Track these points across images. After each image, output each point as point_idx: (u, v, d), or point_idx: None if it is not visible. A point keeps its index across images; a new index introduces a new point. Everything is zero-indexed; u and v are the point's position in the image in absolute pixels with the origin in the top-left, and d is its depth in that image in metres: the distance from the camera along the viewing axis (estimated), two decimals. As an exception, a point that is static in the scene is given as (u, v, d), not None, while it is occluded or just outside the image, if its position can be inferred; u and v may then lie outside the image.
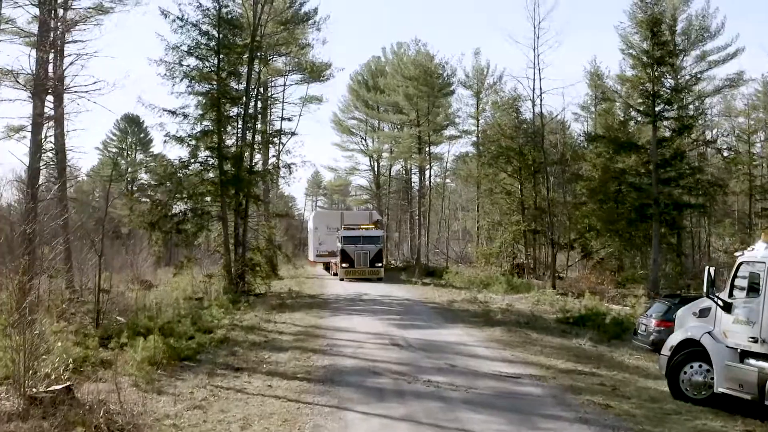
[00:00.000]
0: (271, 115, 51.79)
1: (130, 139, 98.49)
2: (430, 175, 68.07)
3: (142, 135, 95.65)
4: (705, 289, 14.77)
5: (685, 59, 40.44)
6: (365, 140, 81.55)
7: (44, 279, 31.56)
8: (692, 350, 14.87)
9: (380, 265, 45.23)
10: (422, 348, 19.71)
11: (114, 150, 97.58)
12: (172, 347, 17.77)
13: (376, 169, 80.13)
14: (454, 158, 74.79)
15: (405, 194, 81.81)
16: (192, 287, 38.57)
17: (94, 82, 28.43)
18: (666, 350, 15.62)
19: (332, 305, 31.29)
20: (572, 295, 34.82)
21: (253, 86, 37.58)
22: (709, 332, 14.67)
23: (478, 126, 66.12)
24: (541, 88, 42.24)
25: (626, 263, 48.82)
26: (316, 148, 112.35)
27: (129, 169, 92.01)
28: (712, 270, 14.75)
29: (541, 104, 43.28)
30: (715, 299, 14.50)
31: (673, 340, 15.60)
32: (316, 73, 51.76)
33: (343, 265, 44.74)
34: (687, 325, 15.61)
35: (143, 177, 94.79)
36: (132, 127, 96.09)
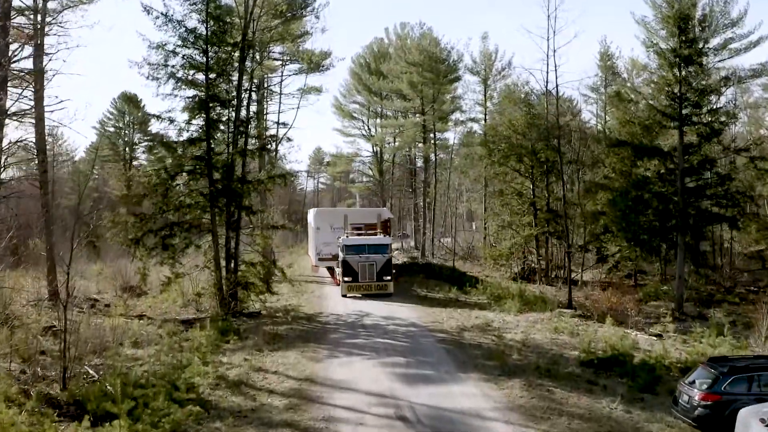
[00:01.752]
0: (267, 114, 48.69)
1: (127, 118, 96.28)
2: (435, 165, 64.98)
3: (140, 114, 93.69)
4: None
5: (707, 49, 36.70)
6: (367, 125, 78.66)
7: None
8: (762, 468, 12.27)
9: (389, 278, 39.16)
10: (432, 425, 17.03)
11: (111, 129, 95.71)
12: (140, 437, 15.25)
13: (379, 154, 77.09)
14: (460, 138, 71.86)
15: (409, 182, 79.17)
16: (183, 299, 36.34)
17: (60, 101, 25.31)
18: (728, 463, 13.03)
19: (331, 335, 28.56)
20: (592, 318, 32.10)
21: (245, 87, 34.56)
22: (783, 448, 12.08)
23: (485, 113, 63.28)
24: (556, 82, 39.30)
25: (643, 265, 46.28)
26: (316, 135, 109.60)
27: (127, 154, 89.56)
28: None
29: (557, 99, 40.17)
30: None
31: (738, 451, 12.98)
32: (315, 63, 48.63)
33: (346, 278, 39.03)
34: (753, 433, 13.00)
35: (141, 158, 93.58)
36: (129, 106, 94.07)
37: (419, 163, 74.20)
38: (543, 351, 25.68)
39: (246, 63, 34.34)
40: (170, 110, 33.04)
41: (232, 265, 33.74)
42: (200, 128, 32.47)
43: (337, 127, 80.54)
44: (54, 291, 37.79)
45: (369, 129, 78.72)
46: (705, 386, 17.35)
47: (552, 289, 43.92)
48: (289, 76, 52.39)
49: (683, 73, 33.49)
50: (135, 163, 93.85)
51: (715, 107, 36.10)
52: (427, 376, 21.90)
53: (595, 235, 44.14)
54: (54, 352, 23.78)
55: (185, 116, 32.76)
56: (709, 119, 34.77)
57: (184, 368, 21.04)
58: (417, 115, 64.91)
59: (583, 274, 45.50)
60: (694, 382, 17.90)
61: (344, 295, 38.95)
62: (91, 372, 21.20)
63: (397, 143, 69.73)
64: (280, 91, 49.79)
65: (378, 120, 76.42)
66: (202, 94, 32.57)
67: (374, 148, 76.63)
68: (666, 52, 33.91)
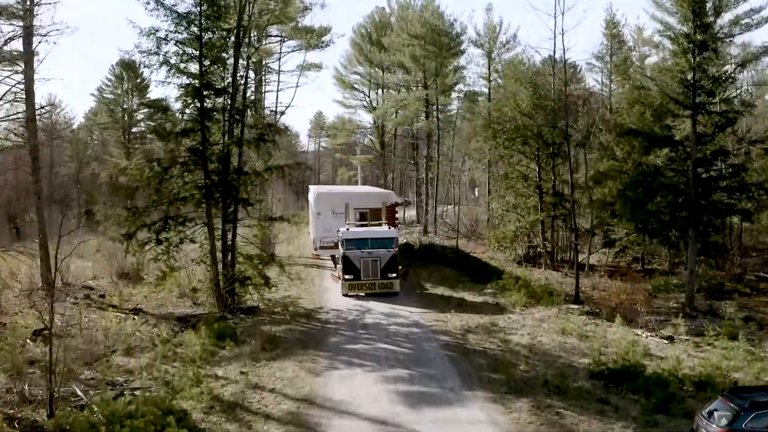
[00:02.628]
0: (264, 93, 47.13)
1: (126, 85, 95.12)
2: (438, 141, 63.62)
3: (138, 80, 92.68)
4: None
5: (722, 33, 34.84)
6: (368, 97, 77.05)
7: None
8: None
9: (394, 275, 35.37)
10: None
11: (110, 96, 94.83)
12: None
13: (380, 128, 75.56)
14: (462, 102, 70.14)
15: (411, 154, 77.90)
16: (179, 289, 35.55)
17: (41, 107, 24.09)
18: None
19: (330, 339, 27.48)
20: (600, 316, 31.12)
21: (241, 73, 33.20)
22: None
23: (489, 87, 61.81)
24: (564, 66, 37.62)
25: (652, 248, 45.25)
26: (317, 110, 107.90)
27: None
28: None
29: (566, 84, 38.70)
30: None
31: None
32: (315, 40, 46.96)
33: (347, 276, 35.20)
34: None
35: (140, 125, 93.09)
36: (128, 72, 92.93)
37: (421, 128, 72.62)
38: (551, 359, 24.74)
39: (242, 49, 32.87)
40: (163, 99, 31.89)
41: (229, 258, 32.73)
42: (194, 119, 31.25)
43: (338, 99, 79.13)
44: (48, 280, 37.11)
45: (370, 100, 77.29)
46: (724, 421, 16.36)
47: (558, 275, 42.99)
48: (288, 53, 50.83)
49: (697, 59, 31.98)
50: (134, 129, 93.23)
51: (730, 96, 34.67)
52: (431, 395, 20.89)
53: (602, 220, 43.01)
54: (43, 363, 22.73)
55: (179, 105, 31.67)
56: (724, 108, 33.42)
57: (177, 393, 20.05)
58: (419, 87, 63.53)
59: (590, 258, 44.51)
60: (712, 414, 16.91)
61: (345, 295, 35.45)
62: (79, 393, 20.31)
63: (399, 117, 67.86)
64: (279, 68, 48.38)
65: (379, 91, 74.95)
66: (196, 82, 31.28)
67: (376, 121, 74.99)
68: (679, 37, 32.35)
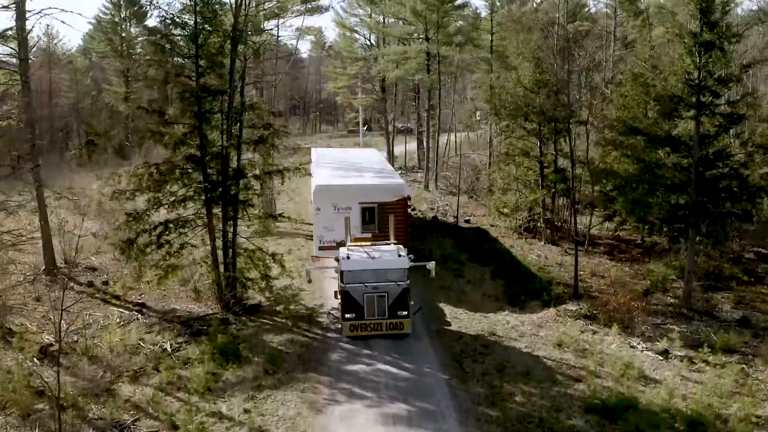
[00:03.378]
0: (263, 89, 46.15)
1: (123, 13, 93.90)
2: (439, 96, 62.96)
3: (136, 8, 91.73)
4: None
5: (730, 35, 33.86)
6: (369, 40, 75.91)
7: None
8: None
9: (405, 313, 29.29)
10: None
11: (107, 24, 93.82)
12: None
13: (381, 78, 74.57)
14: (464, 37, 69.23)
15: (413, 101, 77.31)
16: (181, 277, 35.87)
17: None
18: None
19: (332, 355, 27.83)
20: (598, 321, 31.51)
21: (239, 72, 32.52)
22: None
23: (491, 42, 60.78)
24: (568, 35, 36.86)
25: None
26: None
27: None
28: None
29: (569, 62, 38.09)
30: None
31: None
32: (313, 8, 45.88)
33: (347, 315, 29.23)
34: None
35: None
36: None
37: (422, 80, 71.85)
38: (547, 384, 25.26)
39: (239, 49, 32.22)
40: (156, 100, 31.62)
41: (231, 255, 32.93)
42: (189, 125, 31.05)
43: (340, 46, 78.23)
44: (51, 261, 37.66)
45: (371, 43, 76.21)
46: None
47: (557, 252, 43.37)
48: (284, 21, 49.32)
49: (704, 59, 31.25)
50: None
51: (734, 99, 34.19)
52: (429, 441, 21.47)
53: (601, 191, 43.05)
54: (51, 395, 23.17)
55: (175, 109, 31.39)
56: (729, 110, 32.96)
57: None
58: (421, 40, 62.56)
59: (590, 230, 44.70)
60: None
61: (346, 337, 29.65)
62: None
63: (399, 71, 66.58)
64: (277, 35, 47.13)
65: (381, 35, 73.77)
66: (193, 83, 30.90)
67: (378, 75, 73.68)
68: (686, 36, 31.53)
